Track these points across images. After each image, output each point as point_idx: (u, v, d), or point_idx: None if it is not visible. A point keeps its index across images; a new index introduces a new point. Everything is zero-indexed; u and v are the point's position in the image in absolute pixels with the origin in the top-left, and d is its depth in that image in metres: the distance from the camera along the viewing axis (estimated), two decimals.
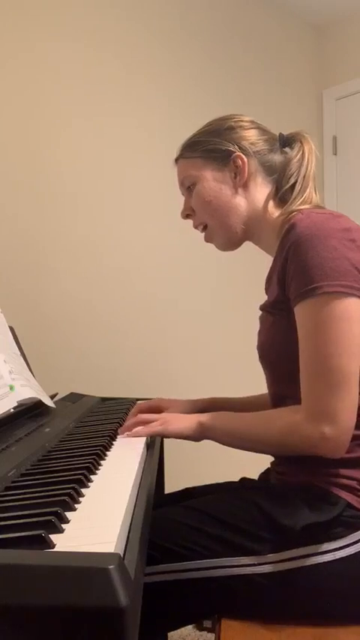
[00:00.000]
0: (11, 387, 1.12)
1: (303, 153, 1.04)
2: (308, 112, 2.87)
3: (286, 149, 1.07)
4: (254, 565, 0.86)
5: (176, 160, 1.12)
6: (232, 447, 0.98)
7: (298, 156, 1.04)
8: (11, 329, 1.38)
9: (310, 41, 2.90)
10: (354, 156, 2.81)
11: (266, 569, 0.86)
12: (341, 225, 0.90)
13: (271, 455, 1.03)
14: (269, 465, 1.08)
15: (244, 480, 1.13)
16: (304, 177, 1.03)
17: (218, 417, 1.00)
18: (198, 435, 1.00)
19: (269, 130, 1.10)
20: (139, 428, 1.01)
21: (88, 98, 1.97)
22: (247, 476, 1.14)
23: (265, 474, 1.12)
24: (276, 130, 1.11)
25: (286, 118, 2.66)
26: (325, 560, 0.85)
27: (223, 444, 0.99)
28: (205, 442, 1.01)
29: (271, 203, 1.06)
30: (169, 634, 1.62)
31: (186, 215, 1.13)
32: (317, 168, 1.05)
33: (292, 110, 2.73)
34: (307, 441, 0.87)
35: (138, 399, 1.50)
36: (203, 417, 1.00)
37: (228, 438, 0.98)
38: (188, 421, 1.00)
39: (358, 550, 0.86)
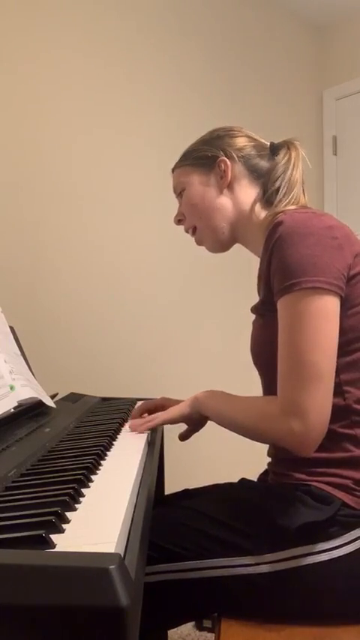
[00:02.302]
0: (12, 387, 1.12)
1: (289, 157, 1.06)
2: (308, 112, 2.87)
3: (275, 156, 1.09)
4: (252, 565, 0.86)
5: (172, 171, 1.17)
6: (223, 427, 1.01)
7: (284, 160, 1.06)
8: (11, 329, 1.38)
9: (310, 41, 2.90)
10: (354, 156, 2.81)
11: (264, 569, 0.86)
12: (324, 223, 0.91)
13: (256, 441, 1.04)
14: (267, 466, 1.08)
15: (243, 480, 1.13)
16: (289, 180, 1.04)
17: (213, 396, 1.04)
18: (195, 410, 1.04)
19: (260, 139, 1.13)
20: (146, 420, 1.07)
21: (87, 102, 1.97)
22: (247, 476, 1.14)
23: (265, 475, 1.12)
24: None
25: (287, 118, 2.67)
26: (322, 560, 0.85)
27: (216, 423, 1.03)
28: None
29: (257, 205, 1.08)
30: (170, 634, 1.62)
31: (178, 220, 1.17)
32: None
33: (292, 110, 2.73)
34: (276, 433, 0.89)
35: (138, 399, 1.50)
36: (200, 394, 1.05)
37: (218, 418, 1.02)
38: (185, 403, 1.06)
39: (354, 549, 0.86)
